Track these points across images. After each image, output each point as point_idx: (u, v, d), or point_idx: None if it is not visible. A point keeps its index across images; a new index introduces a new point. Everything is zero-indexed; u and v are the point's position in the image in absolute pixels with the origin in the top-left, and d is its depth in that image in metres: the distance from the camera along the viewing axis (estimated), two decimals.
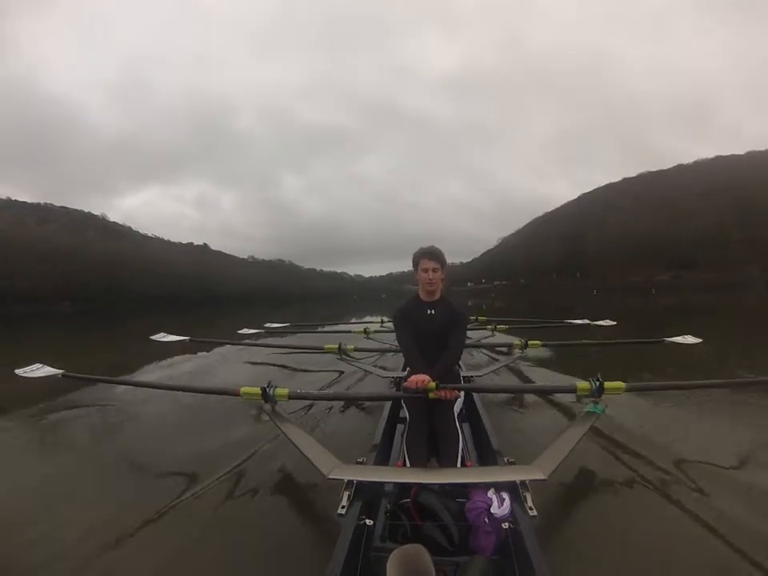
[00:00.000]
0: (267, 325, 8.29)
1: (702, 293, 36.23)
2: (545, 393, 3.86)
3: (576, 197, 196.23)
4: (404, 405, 2.62)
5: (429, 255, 2.63)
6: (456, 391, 2.38)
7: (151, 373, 6.59)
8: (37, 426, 4.03)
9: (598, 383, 2.52)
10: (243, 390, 2.66)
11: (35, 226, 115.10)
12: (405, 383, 2.38)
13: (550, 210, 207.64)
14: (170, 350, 6.93)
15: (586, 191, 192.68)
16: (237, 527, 2.13)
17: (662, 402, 3.95)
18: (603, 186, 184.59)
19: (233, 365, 7.13)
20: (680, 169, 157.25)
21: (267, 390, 2.59)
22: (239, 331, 7.50)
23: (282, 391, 2.61)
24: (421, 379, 2.28)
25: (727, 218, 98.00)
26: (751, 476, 2.50)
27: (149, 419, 4.07)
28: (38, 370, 3.49)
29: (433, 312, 2.66)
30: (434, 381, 2.29)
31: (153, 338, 5.78)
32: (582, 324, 7.48)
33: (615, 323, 6.90)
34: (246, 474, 2.72)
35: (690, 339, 4.97)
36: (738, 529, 1.95)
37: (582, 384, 2.56)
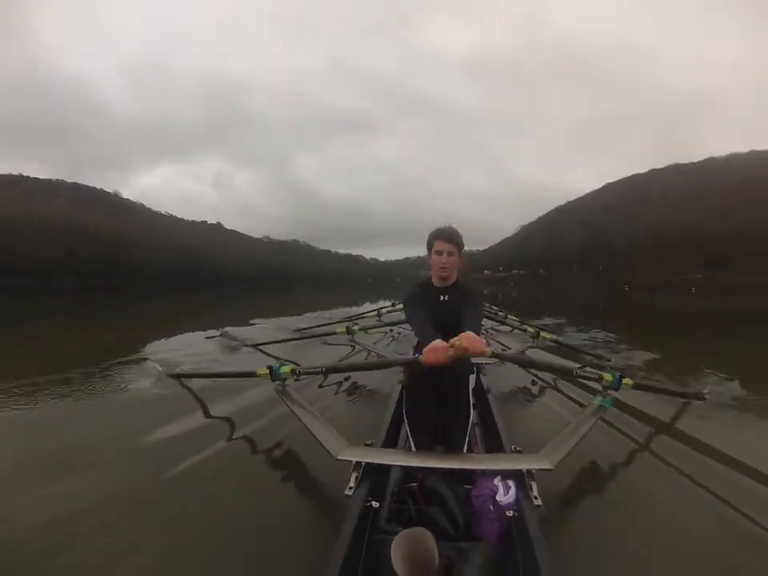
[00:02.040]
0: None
1: (743, 293, 34.29)
2: (568, 374, 3.69)
3: (600, 186, 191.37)
4: (406, 390, 2.50)
5: (444, 236, 2.46)
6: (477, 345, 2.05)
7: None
8: None
9: (618, 376, 2.69)
10: (259, 370, 2.93)
11: (43, 201, 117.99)
12: (423, 359, 2.06)
13: (572, 198, 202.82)
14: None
15: (611, 181, 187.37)
16: (243, 502, 2.21)
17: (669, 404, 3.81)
18: (630, 177, 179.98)
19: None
20: (712, 162, 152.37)
21: (274, 368, 2.81)
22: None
23: (287, 368, 2.81)
24: (437, 347, 2.02)
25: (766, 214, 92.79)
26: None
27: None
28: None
29: (446, 298, 2.52)
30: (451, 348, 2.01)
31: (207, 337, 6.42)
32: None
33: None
34: (255, 452, 2.81)
35: None
36: (745, 529, 1.97)
37: (607, 375, 2.72)
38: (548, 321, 9.36)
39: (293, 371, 2.82)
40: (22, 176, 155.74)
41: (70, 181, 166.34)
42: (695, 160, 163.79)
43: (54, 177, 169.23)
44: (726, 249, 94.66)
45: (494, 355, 2.30)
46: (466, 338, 1.99)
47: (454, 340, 1.97)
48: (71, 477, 2.40)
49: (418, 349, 2.37)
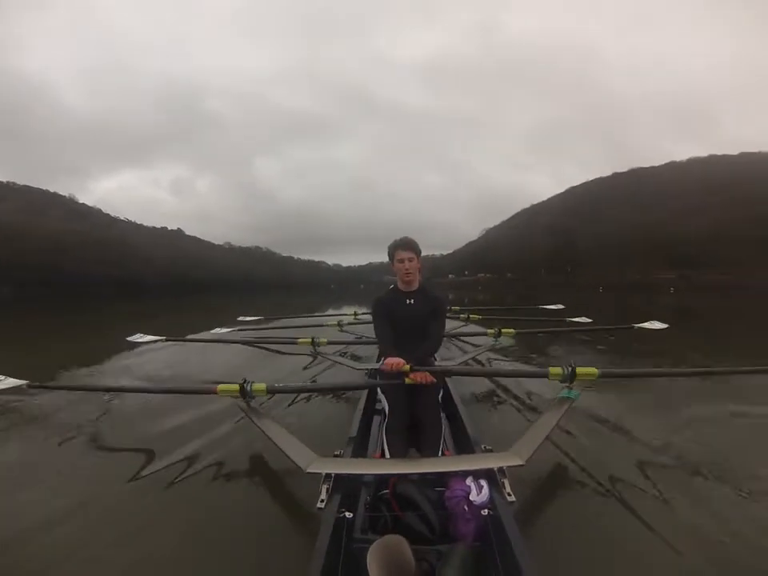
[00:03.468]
0: (240, 318, 8.45)
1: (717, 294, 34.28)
2: (518, 376, 4.04)
3: (563, 190, 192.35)
4: (383, 395, 2.65)
5: (403, 246, 2.76)
6: (431, 376, 2.49)
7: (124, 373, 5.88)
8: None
9: (570, 369, 2.66)
10: (220, 387, 2.70)
11: None
12: (381, 366, 2.51)
13: (535, 202, 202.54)
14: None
15: (574, 185, 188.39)
16: (217, 523, 2.17)
17: (636, 390, 4.26)
18: (593, 180, 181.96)
19: (204, 364, 6.60)
20: (672, 166, 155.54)
21: (245, 385, 2.64)
22: (213, 331, 7.32)
23: (260, 386, 2.67)
24: (396, 362, 2.42)
25: (737, 215, 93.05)
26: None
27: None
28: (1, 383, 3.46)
29: (412, 301, 2.80)
30: (408, 364, 2.45)
31: (129, 338, 5.82)
32: (555, 309, 8.09)
33: (591, 320, 6.93)
34: (223, 472, 2.75)
35: (657, 325, 5.83)
36: (704, 524, 2.07)
37: (555, 369, 2.70)
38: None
39: (266, 390, 2.69)
40: None
41: (21, 183, 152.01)
42: (656, 164, 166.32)
43: (4, 179, 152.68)
44: (693, 250, 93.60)
45: (442, 372, 2.80)
46: (421, 377, 2.45)
47: (412, 377, 2.45)
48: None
49: (381, 361, 2.70)
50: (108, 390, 4.19)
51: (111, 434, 3.43)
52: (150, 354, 6.93)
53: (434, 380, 2.50)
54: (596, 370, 2.68)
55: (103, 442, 3.29)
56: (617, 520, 2.08)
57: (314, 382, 5.03)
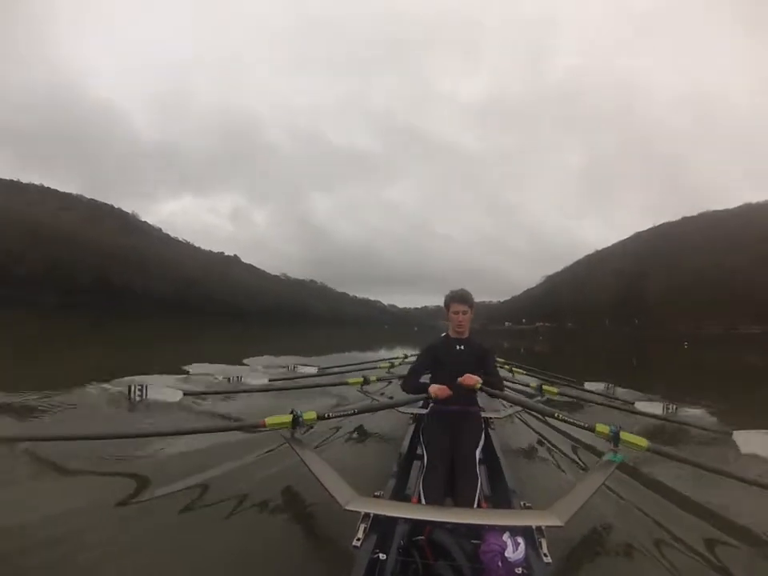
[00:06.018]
0: (298, 368, 8.27)
1: None
2: (566, 421, 3.48)
3: (628, 236, 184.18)
4: (423, 442, 2.80)
5: (459, 299, 3.08)
6: (475, 378, 2.87)
7: None
8: None
9: (616, 430, 2.65)
10: (269, 420, 2.71)
11: (51, 211, 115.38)
12: (433, 390, 2.87)
13: (599, 248, 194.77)
14: None
15: (640, 230, 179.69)
16: (251, 549, 2.24)
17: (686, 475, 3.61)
18: (660, 225, 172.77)
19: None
20: (748, 208, 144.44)
21: (298, 414, 2.70)
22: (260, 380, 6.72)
23: (310, 414, 2.75)
24: (440, 389, 2.85)
25: None
26: None
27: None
28: None
29: (462, 348, 3.10)
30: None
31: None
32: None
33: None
34: (265, 500, 2.81)
35: None
36: None
37: (602, 426, 2.70)
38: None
39: (317, 416, 2.78)
40: (43, 186, 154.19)
41: (89, 197, 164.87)
42: (729, 206, 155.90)
43: (74, 192, 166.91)
44: None
45: (485, 390, 2.96)
46: (466, 378, 2.86)
47: (461, 380, 2.84)
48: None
49: (428, 406, 3.15)
50: (142, 435, 3.57)
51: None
52: None
53: (479, 380, 2.88)
54: (646, 441, 2.65)
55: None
56: None
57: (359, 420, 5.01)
